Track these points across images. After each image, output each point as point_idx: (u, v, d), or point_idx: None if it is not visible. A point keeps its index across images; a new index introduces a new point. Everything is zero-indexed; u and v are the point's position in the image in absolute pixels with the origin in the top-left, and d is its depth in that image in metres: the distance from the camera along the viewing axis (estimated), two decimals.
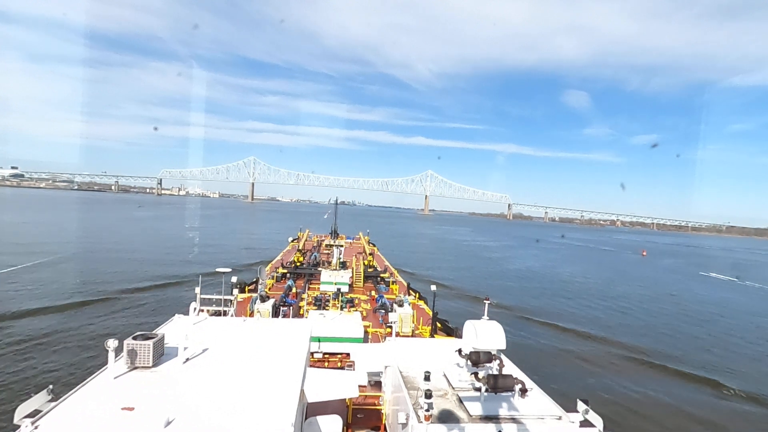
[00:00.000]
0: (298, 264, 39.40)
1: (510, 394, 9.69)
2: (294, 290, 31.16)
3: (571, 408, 9.47)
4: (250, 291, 30.31)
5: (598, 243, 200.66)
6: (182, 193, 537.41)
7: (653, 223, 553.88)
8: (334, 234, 63.10)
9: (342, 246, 45.94)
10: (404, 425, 9.19)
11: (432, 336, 22.78)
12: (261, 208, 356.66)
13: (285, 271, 36.73)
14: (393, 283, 37.23)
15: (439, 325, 24.48)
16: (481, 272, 73.57)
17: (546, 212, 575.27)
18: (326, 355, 17.67)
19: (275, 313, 23.65)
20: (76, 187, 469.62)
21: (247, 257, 67.16)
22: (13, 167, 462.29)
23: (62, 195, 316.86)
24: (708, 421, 23.43)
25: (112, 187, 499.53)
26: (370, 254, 48.72)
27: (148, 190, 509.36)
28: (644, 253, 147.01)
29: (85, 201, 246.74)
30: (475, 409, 9.20)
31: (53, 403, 7.78)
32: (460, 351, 10.72)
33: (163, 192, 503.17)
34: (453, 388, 10.25)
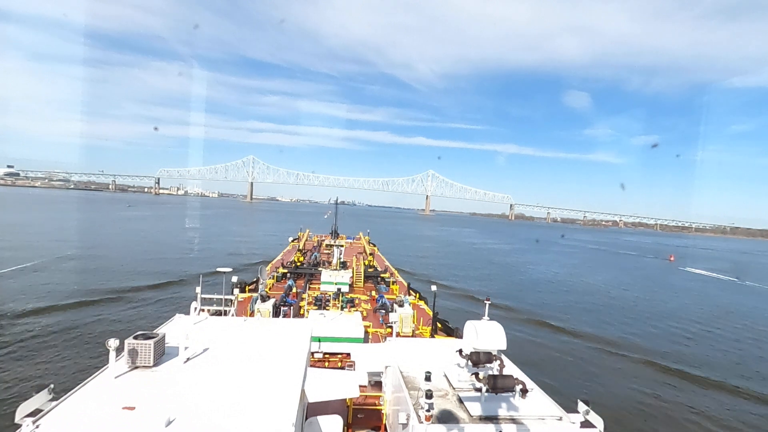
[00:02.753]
0: (299, 264, 39.40)
1: (510, 394, 9.69)
2: (294, 290, 31.15)
3: (571, 408, 9.47)
4: (250, 291, 30.32)
5: (611, 246, 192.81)
6: (180, 192, 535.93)
7: (656, 224, 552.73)
8: (335, 234, 63.18)
9: (342, 246, 46.01)
10: (405, 425, 9.18)
11: (432, 336, 22.79)
12: (259, 208, 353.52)
13: (285, 270, 36.74)
14: (393, 283, 37.25)
15: (439, 325, 24.50)
16: (506, 282, 66.33)
17: (548, 213, 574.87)
18: (327, 355, 17.67)
19: (276, 313, 23.66)
20: (72, 187, 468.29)
21: (234, 263, 56.60)
22: (9, 166, 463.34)
23: (55, 194, 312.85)
24: None
25: (110, 187, 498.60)
26: (370, 254, 48.72)
27: (146, 190, 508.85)
28: (672, 259, 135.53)
29: (75, 200, 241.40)
30: (476, 409, 9.20)
31: (54, 403, 7.78)
32: (460, 351, 10.70)
33: (160, 191, 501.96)
34: (453, 388, 10.25)
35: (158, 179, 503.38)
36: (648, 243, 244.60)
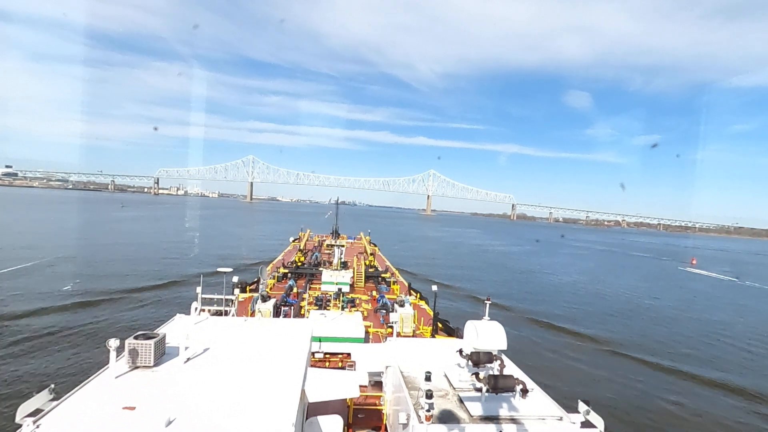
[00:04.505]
0: (299, 264, 39.42)
1: (511, 394, 9.68)
2: (295, 290, 31.18)
3: (572, 408, 9.46)
4: (251, 291, 30.34)
5: (620, 246, 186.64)
6: (180, 192, 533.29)
7: (659, 224, 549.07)
8: (335, 234, 63.24)
9: (343, 246, 46.03)
10: (405, 425, 9.17)
11: (433, 336, 22.78)
12: (258, 208, 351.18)
13: (286, 271, 36.77)
14: (394, 283, 37.25)
15: (440, 325, 24.48)
16: (523, 289, 60.12)
17: (551, 213, 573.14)
18: (327, 355, 17.66)
19: (276, 313, 23.68)
20: (70, 187, 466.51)
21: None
22: (7, 166, 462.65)
23: (52, 194, 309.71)
24: None
25: (109, 187, 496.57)
26: (371, 254, 48.72)
27: (145, 190, 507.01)
28: (694, 262, 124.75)
29: (69, 200, 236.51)
30: (476, 409, 9.19)
31: (54, 403, 7.79)
32: (461, 351, 10.70)
33: (160, 191, 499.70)
34: (454, 388, 10.24)
35: (157, 179, 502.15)
36: (657, 244, 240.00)
